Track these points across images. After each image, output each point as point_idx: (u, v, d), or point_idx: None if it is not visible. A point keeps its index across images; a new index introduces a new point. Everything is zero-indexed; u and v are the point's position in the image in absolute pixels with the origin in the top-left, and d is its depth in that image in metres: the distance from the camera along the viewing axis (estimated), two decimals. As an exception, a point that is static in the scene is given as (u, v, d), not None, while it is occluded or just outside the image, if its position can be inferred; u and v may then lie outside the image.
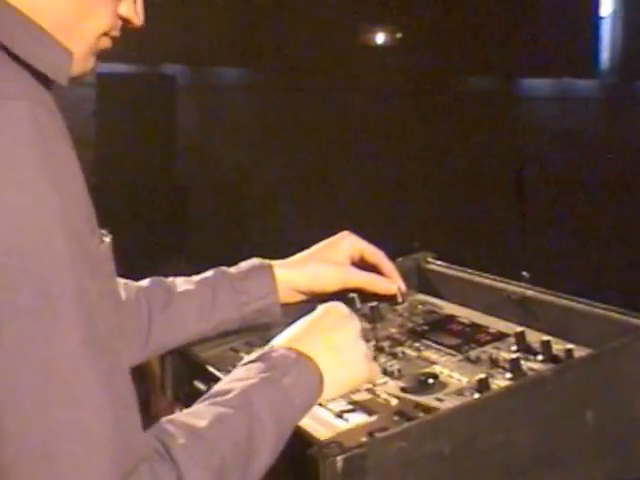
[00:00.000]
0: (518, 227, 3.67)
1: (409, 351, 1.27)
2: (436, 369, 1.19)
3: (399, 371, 1.19)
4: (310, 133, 4.95)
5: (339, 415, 1.07)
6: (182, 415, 0.94)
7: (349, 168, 4.44)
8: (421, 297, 1.48)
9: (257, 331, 1.41)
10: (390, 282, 1.40)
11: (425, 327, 1.35)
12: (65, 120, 0.93)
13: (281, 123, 5.08)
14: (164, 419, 0.93)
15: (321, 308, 1.08)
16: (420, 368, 1.20)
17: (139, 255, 4.55)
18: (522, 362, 1.15)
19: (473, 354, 1.22)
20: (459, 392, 1.11)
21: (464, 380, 1.14)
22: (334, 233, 1.44)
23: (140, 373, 1.29)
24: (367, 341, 1.20)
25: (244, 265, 1.40)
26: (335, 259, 1.40)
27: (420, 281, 1.52)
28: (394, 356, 1.25)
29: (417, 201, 4.40)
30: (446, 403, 1.08)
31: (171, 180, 5.27)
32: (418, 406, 1.08)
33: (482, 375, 1.08)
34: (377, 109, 5.25)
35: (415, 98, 5.46)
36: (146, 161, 5.08)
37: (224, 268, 1.40)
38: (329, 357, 1.03)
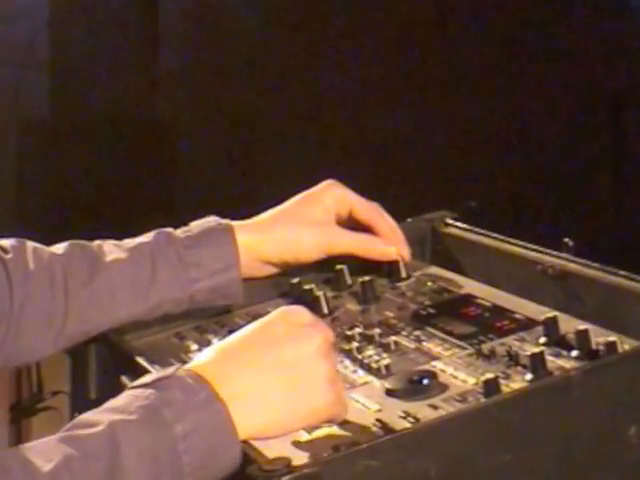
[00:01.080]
0: (607, 184, 3.62)
1: (406, 342, 1.27)
2: (436, 366, 1.19)
3: (387, 368, 1.19)
4: (335, 45, 4.89)
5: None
6: (31, 448, 0.93)
7: (384, 98, 4.39)
8: (434, 271, 1.48)
9: (212, 313, 1.42)
10: (389, 244, 1.40)
11: (432, 310, 1.35)
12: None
13: (297, 34, 5.03)
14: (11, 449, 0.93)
15: (276, 311, 1.07)
16: (416, 364, 1.21)
17: (112, 210, 4.57)
18: (550, 358, 1.15)
19: (488, 347, 1.21)
20: (461, 397, 1.11)
21: (470, 381, 1.14)
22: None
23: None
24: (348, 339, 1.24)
25: (196, 226, 1.40)
26: (315, 218, 1.40)
27: (435, 250, 1.52)
28: (385, 348, 1.25)
29: (475, 145, 4.35)
30: (441, 411, 1.08)
31: (152, 114, 5.26)
32: (405, 414, 1.08)
33: (490, 375, 1.08)
34: (426, 18, 5.17)
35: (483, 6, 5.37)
36: (119, 89, 5.07)
37: (169, 230, 1.39)
38: (269, 379, 1.01)
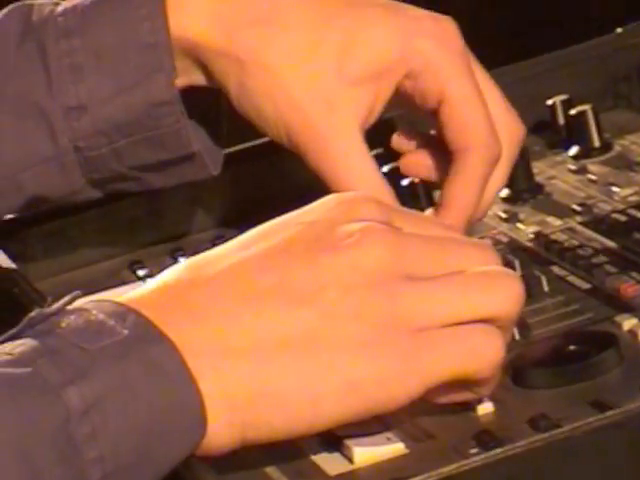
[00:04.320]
0: None
1: (574, 277, 0.87)
2: (623, 324, 0.79)
3: (524, 327, 0.80)
4: None
5: (334, 442, 0.70)
6: None
7: None
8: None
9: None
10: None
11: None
12: None
13: None
14: None
15: (323, 200, 0.73)
16: (583, 322, 0.81)
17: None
18: None
19: None
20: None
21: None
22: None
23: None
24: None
25: None
26: (343, 71, 0.81)
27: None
28: (527, 288, 0.77)
29: None
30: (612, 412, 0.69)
31: None
32: (537, 418, 0.70)
33: None
34: None
35: None
36: None
37: (38, 2, 0.83)
38: (271, 318, 0.67)
